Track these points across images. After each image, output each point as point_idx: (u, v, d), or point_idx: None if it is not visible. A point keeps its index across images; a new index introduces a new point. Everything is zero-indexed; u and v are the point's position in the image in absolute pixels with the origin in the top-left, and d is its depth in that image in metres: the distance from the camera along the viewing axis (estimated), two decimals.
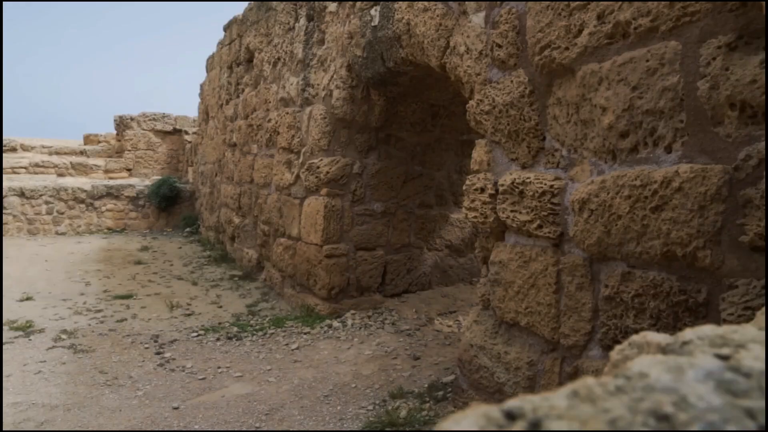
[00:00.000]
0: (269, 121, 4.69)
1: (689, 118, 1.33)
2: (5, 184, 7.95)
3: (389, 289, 3.94)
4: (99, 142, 11.14)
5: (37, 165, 9.75)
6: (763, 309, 0.45)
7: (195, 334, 3.50)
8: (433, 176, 4.06)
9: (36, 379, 2.79)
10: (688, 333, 0.32)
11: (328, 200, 3.69)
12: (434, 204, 4.08)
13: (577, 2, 1.63)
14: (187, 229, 8.41)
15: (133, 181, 9.66)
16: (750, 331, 0.32)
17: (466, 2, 2.17)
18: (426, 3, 2.48)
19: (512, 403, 0.24)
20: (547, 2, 1.74)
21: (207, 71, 7.88)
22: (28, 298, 4.38)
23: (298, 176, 4.09)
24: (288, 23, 4.38)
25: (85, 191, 8.42)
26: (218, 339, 3.39)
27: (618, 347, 0.35)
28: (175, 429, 2.30)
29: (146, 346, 3.29)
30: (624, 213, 1.47)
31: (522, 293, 1.90)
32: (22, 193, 7.94)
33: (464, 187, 2.21)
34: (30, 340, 3.38)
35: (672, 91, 1.36)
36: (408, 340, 3.25)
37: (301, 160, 4.04)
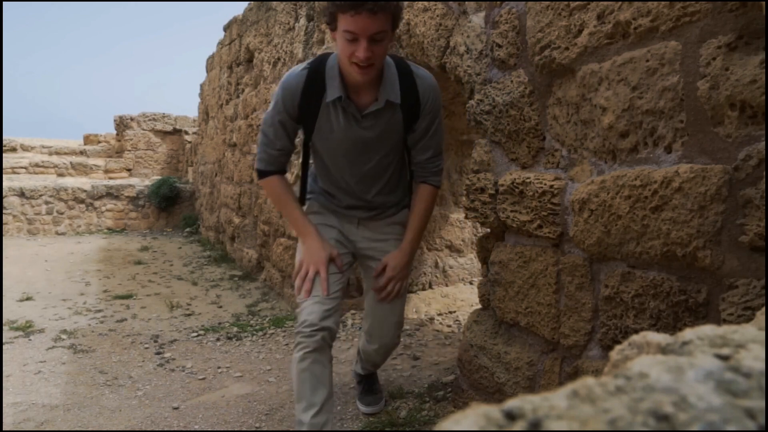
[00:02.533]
0: None
1: (689, 118, 1.33)
2: (5, 184, 7.95)
3: None
4: (99, 142, 11.14)
5: (37, 165, 9.75)
6: (763, 309, 0.45)
7: (195, 334, 3.50)
8: None
9: (36, 379, 2.79)
10: (688, 333, 0.32)
11: None
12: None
13: (577, 2, 1.63)
14: (187, 229, 8.41)
15: (133, 181, 9.66)
16: (750, 331, 0.32)
17: (466, 2, 2.17)
18: (426, 3, 2.48)
19: (512, 403, 0.24)
20: (547, 2, 1.74)
21: (207, 71, 7.87)
22: (28, 298, 4.38)
23: (298, 176, 4.09)
24: (288, 23, 4.38)
25: (85, 191, 8.42)
26: (218, 339, 3.39)
27: (618, 347, 0.35)
28: (175, 429, 2.30)
29: (146, 346, 3.29)
30: (624, 213, 1.47)
31: (522, 293, 1.90)
32: (22, 193, 7.93)
33: (464, 187, 2.21)
34: (30, 340, 3.38)
35: (672, 91, 1.36)
36: (408, 340, 3.25)
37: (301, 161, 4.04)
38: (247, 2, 5.65)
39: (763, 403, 0.23)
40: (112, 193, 8.60)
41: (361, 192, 1.95)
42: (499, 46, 1.97)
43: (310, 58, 4.14)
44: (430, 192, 1.99)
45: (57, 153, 10.44)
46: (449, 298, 3.94)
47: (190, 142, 10.28)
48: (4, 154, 9.50)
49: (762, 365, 0.25)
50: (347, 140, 1.87)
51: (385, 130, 1.88)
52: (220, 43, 6.83)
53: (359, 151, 1.89)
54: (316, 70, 1.82)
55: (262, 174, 1.98)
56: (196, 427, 2.30)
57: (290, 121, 1.88)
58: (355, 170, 1.92)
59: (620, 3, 1.49)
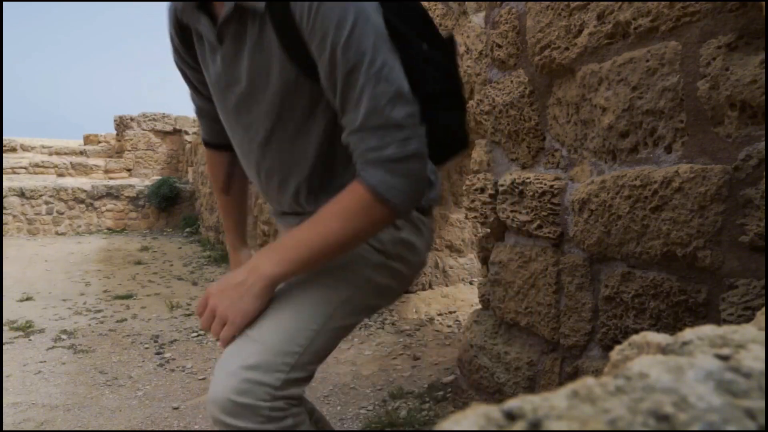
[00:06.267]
0: None
1: (689, 118, 1.33)
2: (5, 184, 7.95)
3: None
4: (99, 142, 11.15)
5: (37, 165, 9.75)
6: (763, 309, 0.45)
7: (195, 334, 3.50)
8: None
9: (36, 379, 2.78)
10: (688, 333, 0.32)
11: None
12: None
13: (577, 2, 1.63)
14: (187, 229, 8.42)
15: (133, 181, 9.67)
16: (750, 331, 0.32)
17: (466, 2, 2.17)
18: (426, 3, 2.48)
19: (512, 403, 0.24)
20: (547, 2, 1.74)
21: None
22: (28, 298, 4.38)
23: None
24: None
25: (85, 191, 8.42)
26: (218, 339, 3.39)
27: (618, 347, 0.35)
28: (175, 429, 2.30)
29: (146, 346, 3.29)
30: (624, 213, 1.47)
31: (522, 293, 1.90)
32: (22, 193, 7.94)
33: (464, 188, 2.22)
34: (30, 340, 3.38)
35: (672, 91, 1.36)
36: (408, 340, 3.25)
37: None
38: None
39: (763, 403, 0.23)
40: (112, 194, 8.60)
41: (270, 191, 1.12)
42: (499, 46, 1.97)
43: None
44: (353, 194, 0.94)
45: (57, 153, 10.44)
46: (449, 298, 3.94)
47: (190, 142, 10.28)
48: (4, 154, 9.50)
49: (762, 365, 0.25)
50: (216, 91, 1.05)
51: (259, 68, 0.96)
52: None
53: (236, 113, 1.05)
54: None
55: (204, 143, 1.32)
56: (196, 427, 2.30)
57: (183, 63, 1.12)
58: (245, 151, 1.10)
59: (620, 3, 1.49)
